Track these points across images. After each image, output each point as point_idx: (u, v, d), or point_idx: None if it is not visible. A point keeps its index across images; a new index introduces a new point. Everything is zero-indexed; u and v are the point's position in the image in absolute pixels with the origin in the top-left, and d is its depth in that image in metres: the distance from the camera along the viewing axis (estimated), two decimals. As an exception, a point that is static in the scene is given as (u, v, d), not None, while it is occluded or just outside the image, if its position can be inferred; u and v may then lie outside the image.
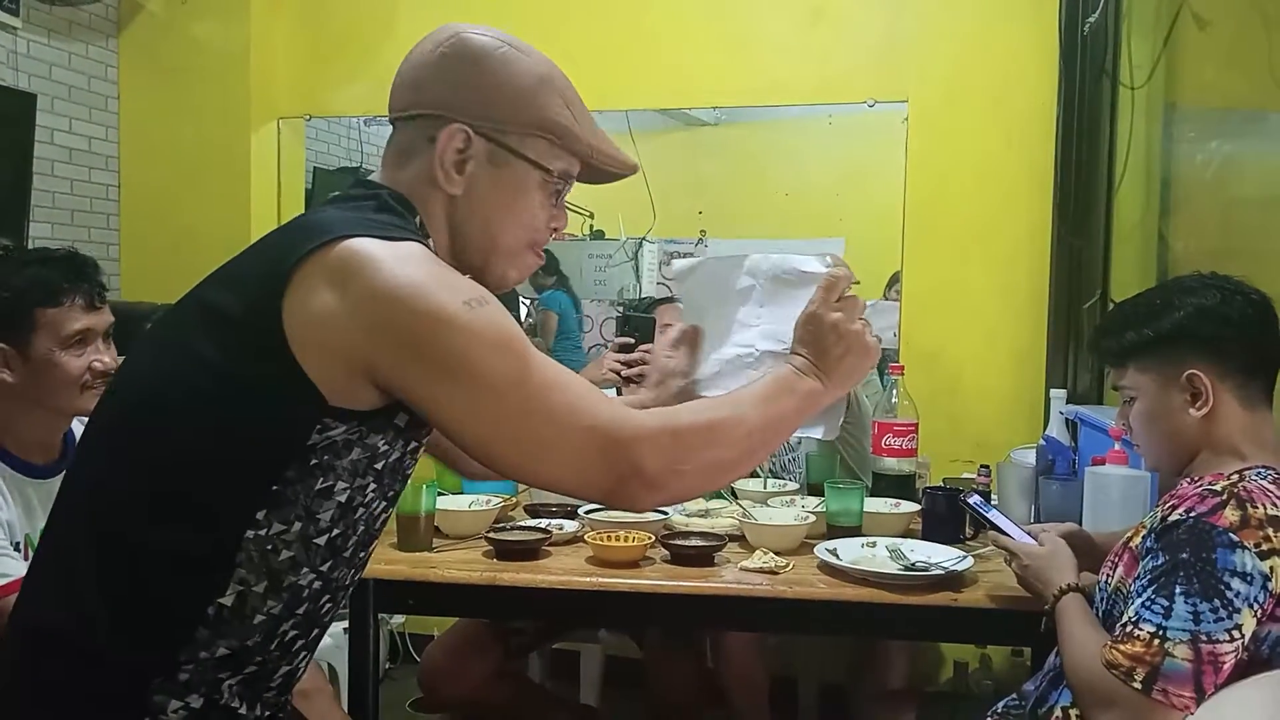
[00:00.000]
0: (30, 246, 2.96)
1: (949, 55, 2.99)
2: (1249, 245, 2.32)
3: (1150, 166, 2.84)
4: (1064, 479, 2.01)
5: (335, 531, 1.06)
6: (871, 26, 3.05)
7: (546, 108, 1.13)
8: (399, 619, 3.21)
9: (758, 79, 3.12)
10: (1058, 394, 2.44)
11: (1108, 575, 1.46)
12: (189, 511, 1.01)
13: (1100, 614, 1.44)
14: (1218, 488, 1.32)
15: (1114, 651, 1.28)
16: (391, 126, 1.16)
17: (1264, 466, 1.36)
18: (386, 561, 1.83)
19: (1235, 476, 1.34)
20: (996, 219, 2.98)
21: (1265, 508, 1.28)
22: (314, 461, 1.01)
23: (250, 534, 1.00)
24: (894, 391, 2.17)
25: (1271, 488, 1.31)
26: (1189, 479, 1.42)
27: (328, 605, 1.12)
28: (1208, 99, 2.66)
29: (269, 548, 1.02)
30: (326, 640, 2.53)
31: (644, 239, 3.34)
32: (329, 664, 2.45)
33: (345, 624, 1.89)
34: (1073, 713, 1.41)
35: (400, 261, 0.97)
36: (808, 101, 3.12)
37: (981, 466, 2.26)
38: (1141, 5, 2.81)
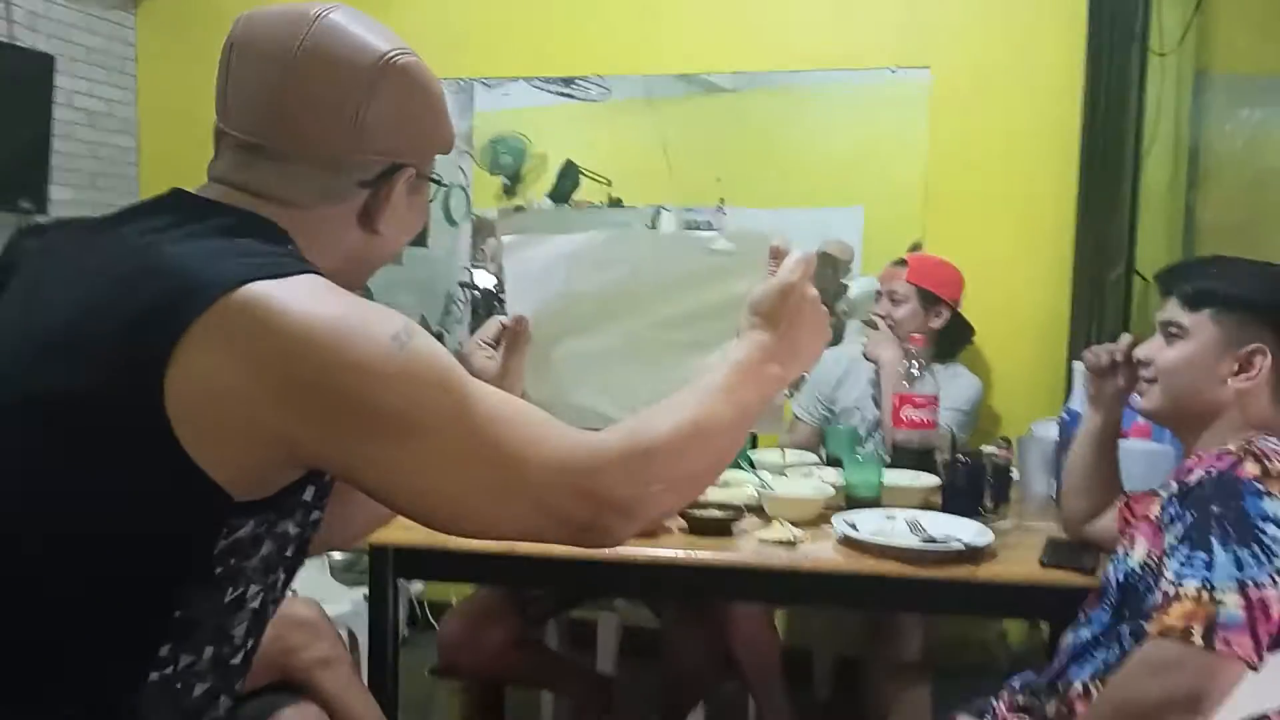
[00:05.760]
0: (50, 209, 2.97)
1: (972, 20, 2.94)
2: (1278, 216, 2.29)
3: (1179, 135, 2.79)
4: (1086, 453, 1.99)
5: (251, 642, 0.90)
6: (894, -8, 3.00)
7: (450, 124, 1.02)
8: (418, 585, 3.24)
9: (778, 45, 3.08)
10: (1080, 366, 2.41)
11: (1125, 549, 1.45)
12: (65, 669, 0.80)
13: (1116, 586, 1.43)
14: (1231, 448, 1.36)
15: (1164, 618, 1.23)
16: (248, 147, 0.91)
17: (1265, 433, 1.40)
18: (405, 529, 1.83)
19: (1243, 441, 1.37)
20: (1020, 188, 2.94)
21: (1279, 462, 1.31)
22: (219, 570, 0.82)
23: (154, 676, 0.81)
24: (914, 363, 2.15)
25: None
26: (1196, 455, 1.44)
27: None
28: (1240, 66, 2.62)
29: (179, 686, 0.83)
30: (347, 606, 2.57)
31: (662, 207, 3.32)
32: (349, 629, 2.47)
33: (365, 590, 1.90)
34: (1093, 687, 1.40)
35: (308, 303, 0.79)
36: (828, 67, 3.08)
37: (1002, 439, 2.24)
38: (1173, -31, 2.75)
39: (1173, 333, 1.49)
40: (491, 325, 1.21)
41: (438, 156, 1.02)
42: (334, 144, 0.91)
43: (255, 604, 0.87)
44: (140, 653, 0.81)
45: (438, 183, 1.02)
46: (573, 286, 1.20)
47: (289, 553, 0.90)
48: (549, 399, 1.20)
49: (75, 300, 0.84)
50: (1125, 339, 1.71)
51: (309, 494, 0.88)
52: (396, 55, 0.93)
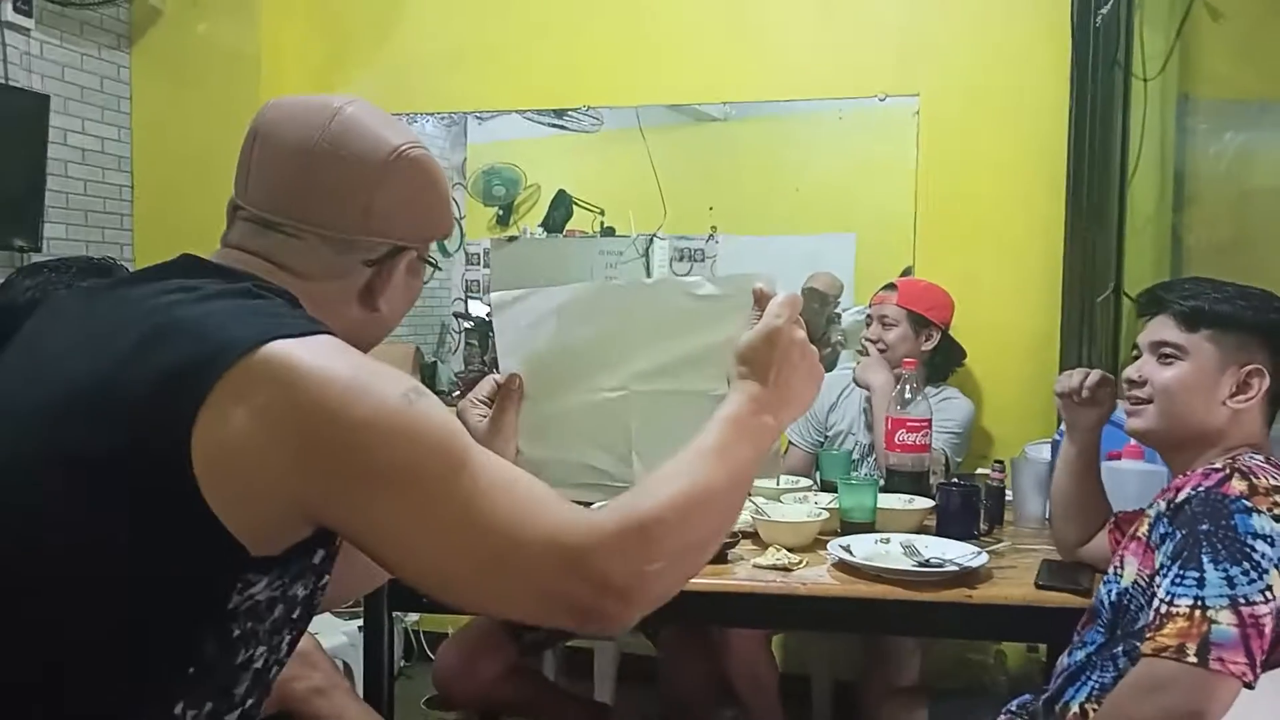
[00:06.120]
0: (45, 247, 2.98)
1: (961, 48, 2.97)
2: (1263, 237, 2.31)
3: (1164, 158, 2.82)
4: (1078, 474, 1.99)
5: (250, 702, 0.91)
6: (883, 20, 3.03)
7: (451, 213, 1.09)
8: (413, 617, 3.22)
9: (768, 74, 3.11)
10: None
11: (1115, 569, 1.46)
12: None
13: (1108, 606, 1.44)
14: (1218, 465, 1.37)
15: (1158, 637, 1.25)
16: (263, 223, 0.97)
17: (1252, 450, 1.42)
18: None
19: (1229, 459, 1.39)
20: (1009, 212, 2.96)
21: (1266, 479, 1.32)
22: (236, 633, 0.85)
23: None
24: (907, 386, 2.16)
25: (1267, 465, 1.37)
26: (1183, 474, 1.44)
27: None
28: (1221, 91, 2.65)
29: None
30: (341, 638, 2.56)
31: (655, 235, 3.34)
32: (344, 661, 2.46)
33: (360, 622, 1.90)
34: (1089, 708, 1.40)
35: (324, 360, 0.82)
36: (818, 96, 3.11)
37: (996, 462, 2.25)
38: (1154, -4, 2.79)
39: (1168, 353, 1.47)
40: (485, 384, 1.20)
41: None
42: (344, 227, 0.97)
43: (259, 664, 0.89)
44: (159, 710, 0.83)
45: (434, 266, 1.10)
46: (563, 340, 1.20)
47: (295, 615, 0.92)
48: (544, 456, 1.19)
49: (93, 359, 0.85)
50: (1096, 372, 1.72)
51: (318, 557, 0.91)
52: (407, 149, 0.99)
